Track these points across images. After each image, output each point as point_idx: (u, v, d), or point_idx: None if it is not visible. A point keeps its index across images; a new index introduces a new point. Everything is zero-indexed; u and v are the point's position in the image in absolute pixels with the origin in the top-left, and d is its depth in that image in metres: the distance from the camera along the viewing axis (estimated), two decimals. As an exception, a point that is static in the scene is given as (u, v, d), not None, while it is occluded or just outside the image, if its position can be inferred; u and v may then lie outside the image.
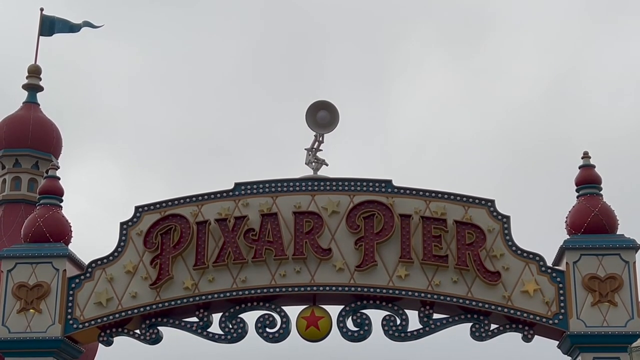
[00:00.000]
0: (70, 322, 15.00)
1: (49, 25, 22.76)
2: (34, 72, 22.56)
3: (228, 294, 14.88)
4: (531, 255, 14.73)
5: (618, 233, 14.90)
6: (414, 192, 15.07)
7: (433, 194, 15.05)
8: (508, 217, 14.94)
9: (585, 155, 15.32)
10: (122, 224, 15.33)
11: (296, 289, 14.86)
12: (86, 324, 14.98)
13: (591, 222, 14.81)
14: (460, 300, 14.62)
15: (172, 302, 14.92)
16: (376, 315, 14.88)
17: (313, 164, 15.78)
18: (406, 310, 14.85)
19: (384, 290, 14.71)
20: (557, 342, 14.94)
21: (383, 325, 14.82)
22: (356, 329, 14.90)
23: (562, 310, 14.47)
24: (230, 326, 15.00)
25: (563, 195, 16.42)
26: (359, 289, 14.76)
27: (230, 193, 15.28)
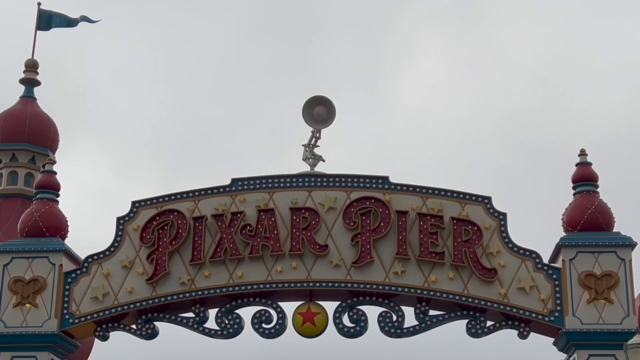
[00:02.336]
0: (67, 316, 15.00)
1: (46, 20, 22.75)
2: (31, 66, 22.55)
3: (224, 290, 14.88)
4: (527, 253, 14.74)
5: (614, 230, 14.91)
6: (410, 188, 15.07)
7: (430, 191, 15.05)
8: (505, 214, 14.94)
9: (582, 153, 15.33)
10: (118, 219, 15.32)
11: (292, 284, 14.87)
12: (82, 319, 14.98)
13: (587, 220, 14.82)
14: (457, 297, 14.62)
15: (169, 297, 14.93)
16: (372, 312, 14.89)
17: (310, 160, 15.76)
18: (402, 307, 14.85)
19: (380, 287, 14.71)
20: (553, 339, 14.95)
21: (379, 322, 14.82)
22: (352, 325, 14.90)
23: (558, 308, 14.48)
24: (227, 322, 15.00)
25: (560, 192, 16.44)
26: (355, 285, 14.76)
27: (227, 189, 15.27)
